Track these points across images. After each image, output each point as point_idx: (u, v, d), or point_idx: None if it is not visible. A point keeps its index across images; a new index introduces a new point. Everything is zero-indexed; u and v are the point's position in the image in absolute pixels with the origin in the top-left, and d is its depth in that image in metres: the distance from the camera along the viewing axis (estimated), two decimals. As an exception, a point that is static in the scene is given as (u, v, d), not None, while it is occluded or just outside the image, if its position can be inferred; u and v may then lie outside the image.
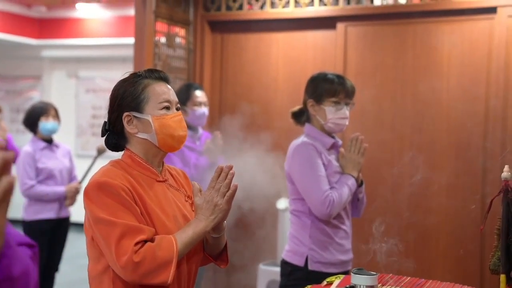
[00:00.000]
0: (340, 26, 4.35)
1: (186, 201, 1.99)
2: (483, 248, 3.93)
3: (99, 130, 8.79)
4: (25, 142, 4.78)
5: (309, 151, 2.78)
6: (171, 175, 2.02)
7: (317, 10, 4.39)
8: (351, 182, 2.82)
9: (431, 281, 2.35)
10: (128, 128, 1.89)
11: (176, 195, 1.95)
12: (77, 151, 8.68)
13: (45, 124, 4.32)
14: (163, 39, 4.46)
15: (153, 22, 4.32)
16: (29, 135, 4.53)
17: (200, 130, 4.09)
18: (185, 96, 3.96)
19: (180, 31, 4.64)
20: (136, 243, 1.70)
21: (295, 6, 4.45)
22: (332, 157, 2.88)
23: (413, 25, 4.18)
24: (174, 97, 1.93)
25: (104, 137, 1.98)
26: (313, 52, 4.47)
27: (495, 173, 3.91)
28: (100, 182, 1.77)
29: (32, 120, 4.36)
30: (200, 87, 4.10)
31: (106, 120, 1.97)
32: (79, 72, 9.08)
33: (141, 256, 1.70)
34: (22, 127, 4.69)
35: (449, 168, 4.07)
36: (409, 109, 4.16)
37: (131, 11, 7.43)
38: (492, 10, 3.95)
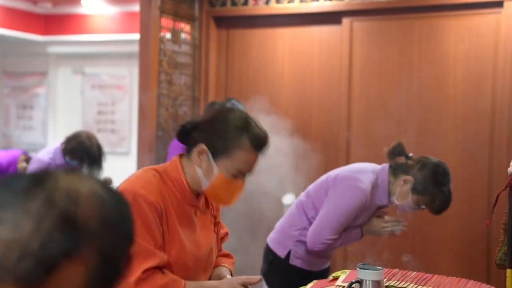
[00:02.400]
0: (346, 21, 4.33)
1: (211, 222, 1.97)
2: (490, 242, 3.91)
3: (105, 126, 8.75)
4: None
5: (359, 202, 2.63)
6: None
7: (322, 5, 4.37)
8: (356, 236, 2.75)
9: (437, 275, 2.32)
10: (195, 156, 1.83)
11: (202, 218, 1.92)
12: (83, 147, 8.69)
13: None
14: (168, 35, 4.44)
15: (158, 18, 4.30)
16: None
17: None
18: None
19: (185, 26, 4.62)
20: (145, 271, 1.69)
21: (301, 1, 4.43)
22: (373, 210, 2.75)
23: (419, 19, 4.16)
24: (253, 169, 1.85)
25: (179, 130, 1.89)
26: (318, 47, 4.46)
27: (502, 167, 3.90)
28: (138, 193, 1.73)
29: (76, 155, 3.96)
30: (239, 103, 3.94)
31: (196, 120, 1.88)
32: (85, 68, 9.08)
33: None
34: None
35: (456, 163, 4.03)
36: (415, 104, 4.15)
37: (136, 7, 7.42)
38: (499, 4, 3.92)
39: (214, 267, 2.00)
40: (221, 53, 4.75)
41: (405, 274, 2.33)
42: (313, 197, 2.76)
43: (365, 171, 2.69)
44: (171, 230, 1.78)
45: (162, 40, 4.36)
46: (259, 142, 1.83)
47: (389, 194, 2.68)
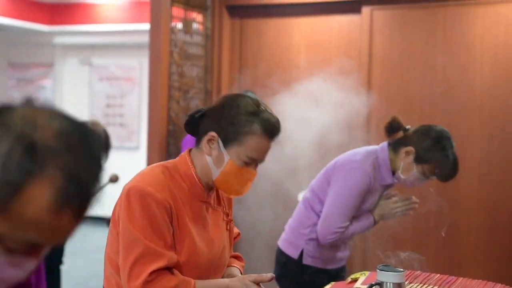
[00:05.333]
0: (366, 10, 4.29)
1: (224, 220, 1.93)
2: (518, 243, 3.85)
3: (113, 120, 8.66)
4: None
5: (362, 184, 2.59)
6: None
7: (341, -7, 4.33)
8: (369, 222, 2.68)
9: (461, 278, 2.30)
10: (204, 145, 1.79)
11: (214, 216, 1.89)
12: (90, 140, 8.63)
13: None
14: (179, 25, 4.44)
15: (169, 7, 4.29)
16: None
17: None
18: None
19: (198, 16, 4.61)
20: (151, 272, 1.66)
21: (318, -11, 4.38)
22: (379, 192, 2.68)
23: (443, 8, 4.11)
24: (264, 157, 1.82)
25: (187, 120, 1.87)
26: (337, 37, 4.42)
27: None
28: (145, 192, 1.69)
29: None
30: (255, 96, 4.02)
31: (204, 108, 1.85)
32: (93, 60, 9.03)
33: None
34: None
35: (482, 159, 4.05)
36: (439, 97, 4.09)
37: (145, -3, 7.32)
38: (529, -9, 3.83)
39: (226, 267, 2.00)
40: (234, 44, 4.71)
41: (427, 276, 2.31)
42: (317, 191, 2.73)
43: (363, 154, 2.66)
44: (181, 228, 1.75)
45: (173, 30, 4.34)
46: (271, 128, 1.78)
47: (393, 172, 2.63)
